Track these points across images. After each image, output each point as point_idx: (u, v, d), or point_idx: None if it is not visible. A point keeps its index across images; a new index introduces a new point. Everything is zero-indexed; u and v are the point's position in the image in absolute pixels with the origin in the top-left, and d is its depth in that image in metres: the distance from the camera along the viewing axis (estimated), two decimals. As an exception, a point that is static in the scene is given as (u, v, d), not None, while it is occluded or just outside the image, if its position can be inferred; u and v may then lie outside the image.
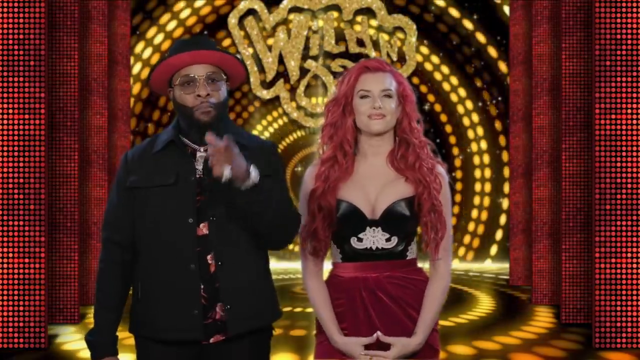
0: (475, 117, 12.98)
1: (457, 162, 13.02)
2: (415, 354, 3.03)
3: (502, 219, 12.89)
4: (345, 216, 3.04)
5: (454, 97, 12.88)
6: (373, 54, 11.53)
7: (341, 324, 3.06)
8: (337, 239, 3.11)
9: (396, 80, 3.10)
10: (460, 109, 12.95)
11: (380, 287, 3.04)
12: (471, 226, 13.12)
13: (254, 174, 2.84)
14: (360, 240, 3.05)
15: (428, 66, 12.70)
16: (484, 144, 13.00)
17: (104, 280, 3.04)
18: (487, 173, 13.08)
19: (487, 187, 13.10)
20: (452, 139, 13.03)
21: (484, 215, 13.09)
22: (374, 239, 3.05)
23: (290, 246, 3.32)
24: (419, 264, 3.18)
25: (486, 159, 13.04)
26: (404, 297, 3.06)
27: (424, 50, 12.55)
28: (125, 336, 3.15)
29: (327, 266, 3.20)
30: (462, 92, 12.91)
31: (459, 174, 13.01)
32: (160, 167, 2.99)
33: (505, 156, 12.64)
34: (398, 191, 3.05)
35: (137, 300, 3.03)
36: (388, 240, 3.05)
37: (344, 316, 3.07)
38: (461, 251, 12.99)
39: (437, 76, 12.81)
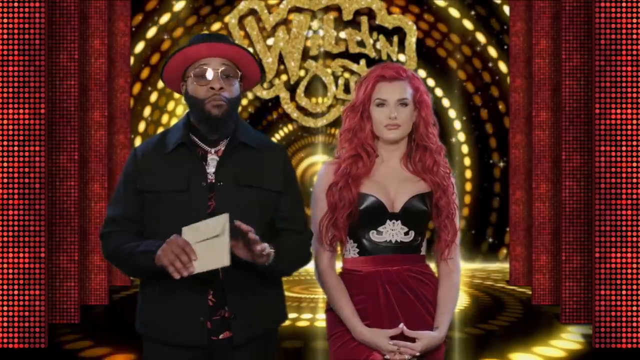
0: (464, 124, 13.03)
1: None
2: (436, 347, 3.08)
3: (493, 217, 12.96)
4: (368, 208, 3.09)
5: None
6: (373, 54, 11.53)
7: (364, 320, 3.07)
8: (355, 233, 3.14)
9: (413, 87, 3.14)
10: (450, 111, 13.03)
11: (403, 281, 3.10)
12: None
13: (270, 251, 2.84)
14: (379, 233, 3.12)
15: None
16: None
17: (120, 241, 2.93)
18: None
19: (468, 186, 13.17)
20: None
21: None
22: (394, 232, 3.11)
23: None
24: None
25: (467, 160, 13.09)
26: (423, 292, 3.12)
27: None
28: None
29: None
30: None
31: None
32: (172, 171, 2.94)
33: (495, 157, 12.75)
34: (414, 187, 3.14)
35: (146, 301, 3.01)
36: (406, 234, 3.12)
37: (365, 313, 3.08)
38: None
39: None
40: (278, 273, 3.01)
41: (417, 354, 3.01)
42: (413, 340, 3.02)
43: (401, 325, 3.02)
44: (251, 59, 2.99)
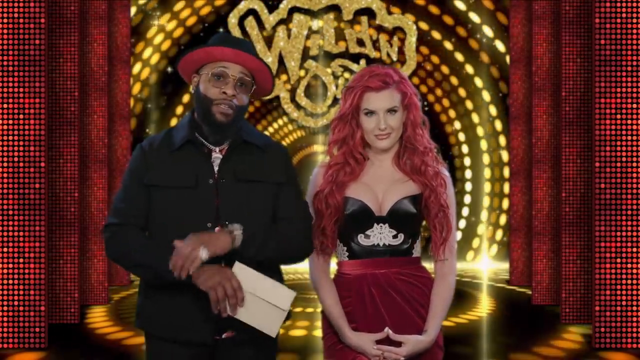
0: (475, 117, 13.01)
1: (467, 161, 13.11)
2: (425, 351, 3.05)
3: (502, 219, 12.92)
4: (353, 213, 3.08)
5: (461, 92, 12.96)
6: (373, 53, 11.53)
7: (351, 323, 3.07)
8: (344, 237, 3.14)
9: (400, 92, 3.11)
10: (460, 108, 13.00)
11: (390, 284, 3.08)
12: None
13: (237, 232, 2.83)
14: (367, 237, 3.10)
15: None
16: (484, 144, 13.04)
17: (126, 238, 2.91)
18: (487, 173, 13.10)
19: (487, 187, 13.13)
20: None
21: (484, 215, 13.13)
22: (381, 235, 3.09)
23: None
24: (423, 264, 3.21)
25: (486, 159, 13.07)
26: (412, 295, 3.09)
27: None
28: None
29: (332, 266, 3.21)
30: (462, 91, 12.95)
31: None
32: (180, 167, 2.96)
33: (505, 156, 12.68)
34: (404, 189, 3.11)
35: (147, 297, 3.00)
36: (395, 237, 3.10)
37: (353, 315, 3.08)
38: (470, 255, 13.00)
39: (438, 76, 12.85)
40: (266, 257, 2.93)
41: (402, 358, 2.99)
42: (399, 344, 3.00)
43: (386, 329, 3.01)
44: (268, 75, 3.01)
